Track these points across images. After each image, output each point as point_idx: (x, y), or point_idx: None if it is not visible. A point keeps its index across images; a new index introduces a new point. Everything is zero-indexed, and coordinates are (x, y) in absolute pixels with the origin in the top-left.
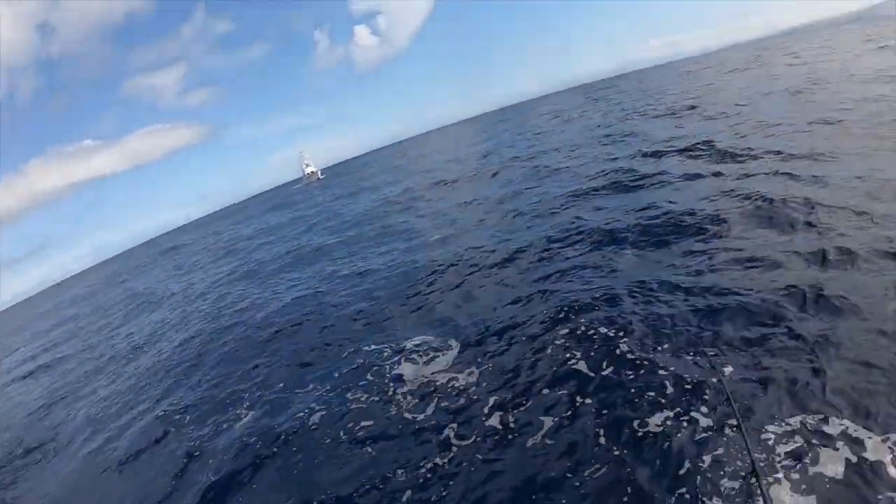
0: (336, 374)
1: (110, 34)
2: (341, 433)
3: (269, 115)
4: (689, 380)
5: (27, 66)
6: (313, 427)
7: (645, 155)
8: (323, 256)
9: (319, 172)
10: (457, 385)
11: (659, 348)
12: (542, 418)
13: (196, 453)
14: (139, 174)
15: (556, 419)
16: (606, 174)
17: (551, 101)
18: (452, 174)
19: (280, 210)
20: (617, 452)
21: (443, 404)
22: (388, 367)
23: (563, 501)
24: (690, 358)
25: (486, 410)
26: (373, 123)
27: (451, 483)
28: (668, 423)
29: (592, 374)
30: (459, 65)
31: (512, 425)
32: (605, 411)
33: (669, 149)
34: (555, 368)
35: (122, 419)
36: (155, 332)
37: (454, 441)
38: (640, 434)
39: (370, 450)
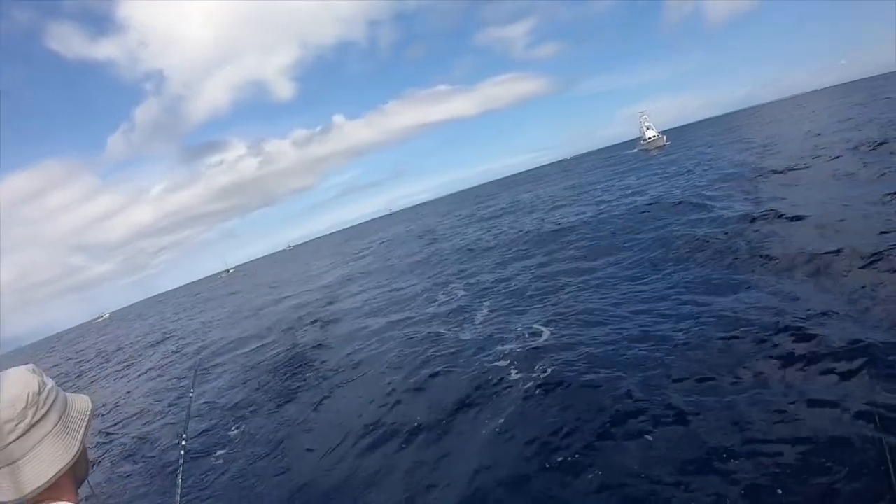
0: None
1: None
2: None
3: (612, 71)
4: None
5: (386, 20)
6: None
7: None
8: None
9: (665, 138)
10: None
11: None
12: None
13: None
14: (487, 119)
15: None
16: None
17: None
18: (801, 157)
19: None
20: None
21: None
22: None
23: None
24: None
25: None
26: (715, 87)
27: None
28: None
29: None
30: (826, 22)
31: None
32: None
33: None
34: None
35: None
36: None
37: None
38: None
39: None
